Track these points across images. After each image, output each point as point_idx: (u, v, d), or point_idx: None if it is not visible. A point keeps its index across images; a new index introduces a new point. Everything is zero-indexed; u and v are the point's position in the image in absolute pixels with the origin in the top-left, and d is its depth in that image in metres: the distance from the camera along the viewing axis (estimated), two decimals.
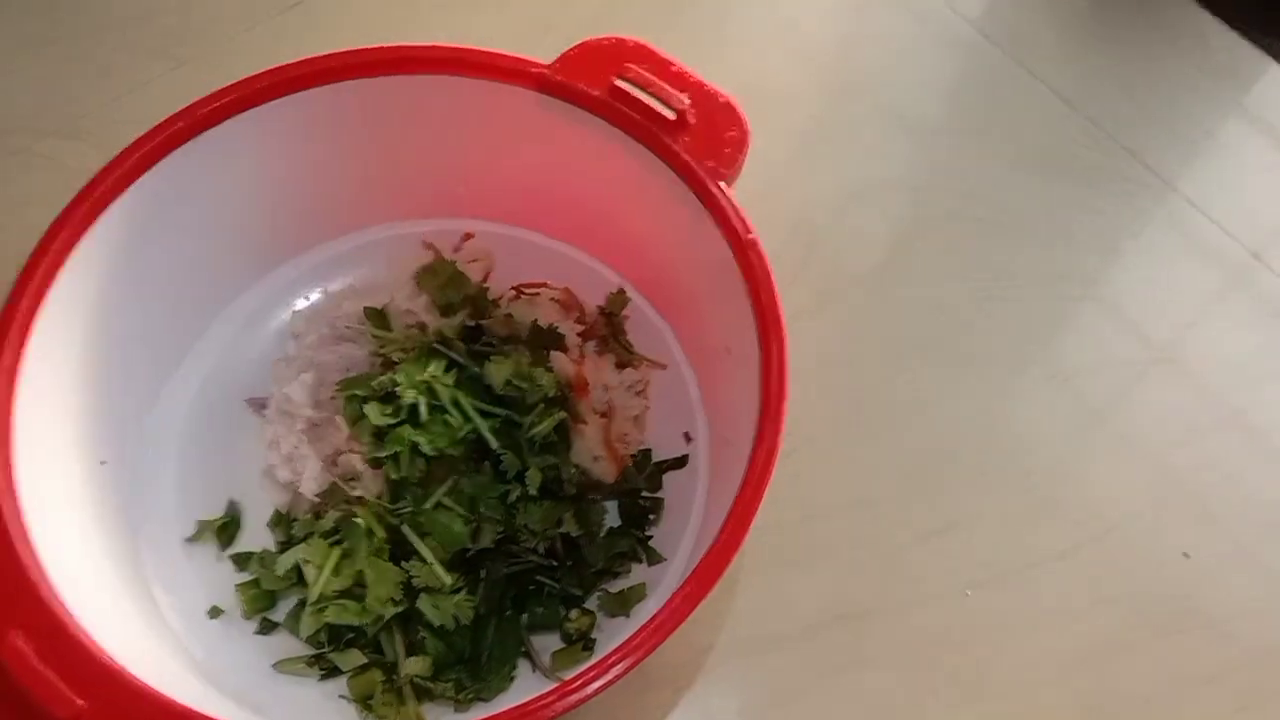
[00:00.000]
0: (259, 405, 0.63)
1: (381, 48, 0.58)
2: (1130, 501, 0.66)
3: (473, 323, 0.64)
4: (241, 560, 0.60)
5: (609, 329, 0.66)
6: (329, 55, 0.58)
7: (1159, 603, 0.63)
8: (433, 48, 0.58)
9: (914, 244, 0.75)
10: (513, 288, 0.67)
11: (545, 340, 0.64)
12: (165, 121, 0.55)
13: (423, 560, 0.56)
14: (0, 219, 0.68)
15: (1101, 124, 0.80)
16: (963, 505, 0.65)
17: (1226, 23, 0.86)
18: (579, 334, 0.65)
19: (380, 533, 0.57)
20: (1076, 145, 0.80)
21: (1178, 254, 0.76)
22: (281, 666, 0.56)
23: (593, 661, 0.46)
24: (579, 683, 0.45)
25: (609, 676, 0.45)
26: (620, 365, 0.65)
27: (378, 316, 0.64)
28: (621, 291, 0.67)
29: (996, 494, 0.66)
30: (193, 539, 0.60)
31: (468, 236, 0.69)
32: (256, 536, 0.61)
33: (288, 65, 0.57)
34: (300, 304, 0.67)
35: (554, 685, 0.46)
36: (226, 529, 0.60)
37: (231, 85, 0.57)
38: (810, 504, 0.64)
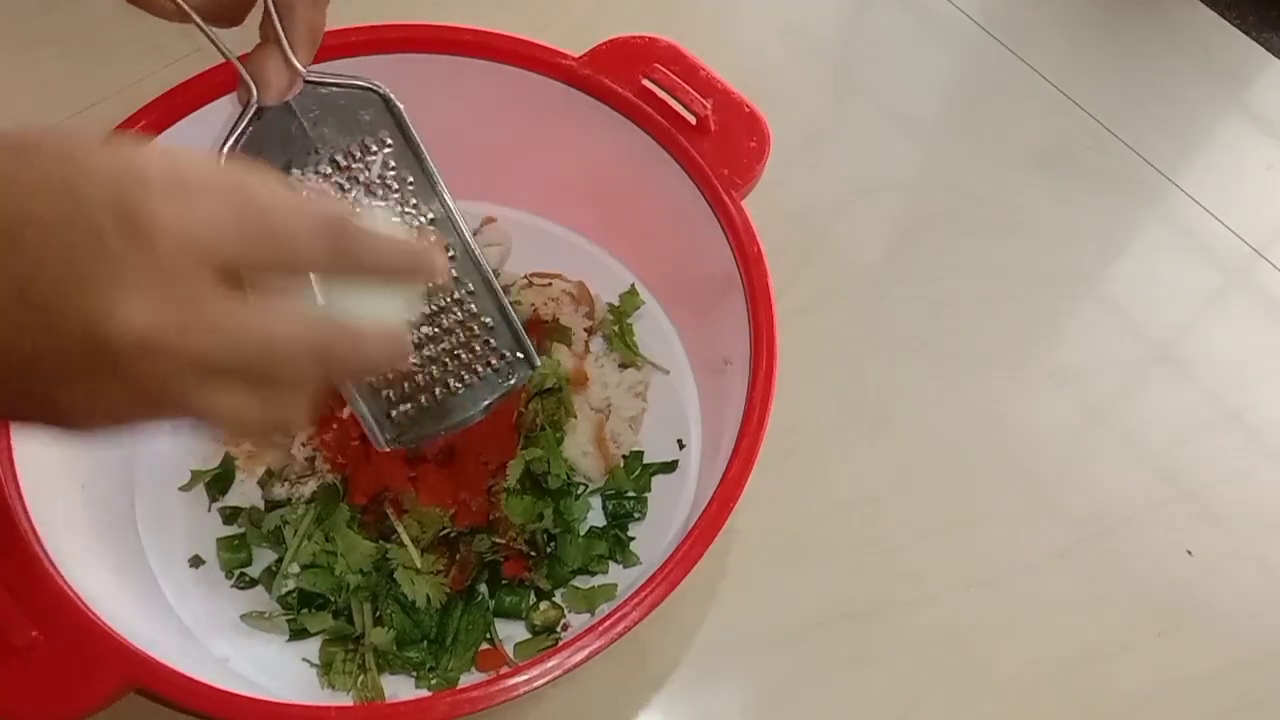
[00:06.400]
0: None
1: (410, 24, 0.58)
2: (1130, 501, 0.65)
3: None
4: (230, 514, 0.61)
5: (617, 327, 0.65)
6: (360, 28, 0.58)
7: (1159, 602, 0.63)
8: (463, 29, 0.59)
9: (914, 243, 0.74)
10: (525, 275, 0.67)
11: (551, 333, 0.64)
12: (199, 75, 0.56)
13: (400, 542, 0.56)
14: None
15: (1102, 121, 0.79)
16: (963, 505, 0.65)
17: (1227, 19, 0.84)
18: (585, 329, 0.65)
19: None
20: (1077, 143, 0.79)
21: (1178, 252, 0.75)
22: (249, 620, 0.57)
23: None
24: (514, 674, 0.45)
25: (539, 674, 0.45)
26: (623, 365, 0.65)
27: None
28: (634, 291, 0.67)
29: (996, 494, 0.65)
30: (185, 488, 0.61)
31: (489, 220, 0.69)
32: (250, 491, 0.61)
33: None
34: None
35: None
36: (219, 480, 0.61)
37: None
38: (810, 504, 0.64)
